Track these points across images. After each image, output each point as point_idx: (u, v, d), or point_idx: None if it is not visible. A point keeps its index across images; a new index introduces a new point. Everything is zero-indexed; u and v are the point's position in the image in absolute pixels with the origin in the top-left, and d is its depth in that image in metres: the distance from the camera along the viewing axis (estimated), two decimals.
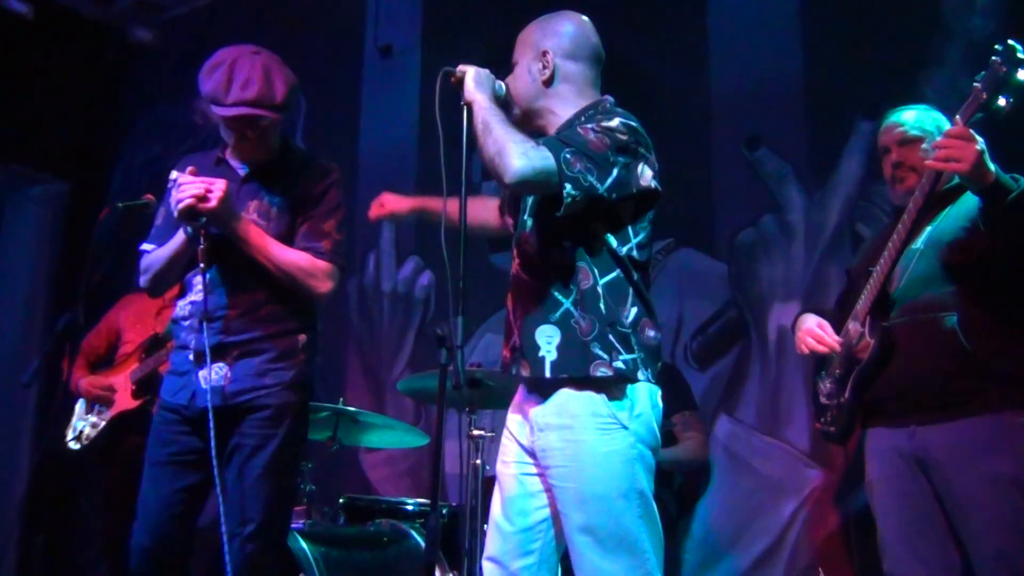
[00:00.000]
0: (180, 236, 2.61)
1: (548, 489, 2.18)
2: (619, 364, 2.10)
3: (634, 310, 2.16)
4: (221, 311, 2.57)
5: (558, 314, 2.15)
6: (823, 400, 2.78)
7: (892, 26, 3.93)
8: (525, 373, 2.19)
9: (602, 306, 2.13)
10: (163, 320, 3.89)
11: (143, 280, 2.70)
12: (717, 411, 4.06)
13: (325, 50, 5.74)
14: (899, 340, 2.55)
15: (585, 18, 2.39)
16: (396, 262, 5.22)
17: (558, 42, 2.31)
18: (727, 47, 4.37)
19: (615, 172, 2.11)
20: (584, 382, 2.11)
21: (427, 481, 4.61)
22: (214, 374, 2.52)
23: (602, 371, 2.09)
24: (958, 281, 2.52)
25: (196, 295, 2.59)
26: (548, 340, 2.15)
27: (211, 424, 2.37)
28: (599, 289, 2.14)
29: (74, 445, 3.92)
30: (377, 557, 3.32)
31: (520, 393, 2.30)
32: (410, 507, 3.57)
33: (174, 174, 2.57)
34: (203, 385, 2.52)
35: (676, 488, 3.79)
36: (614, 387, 2.11)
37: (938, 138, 2.51)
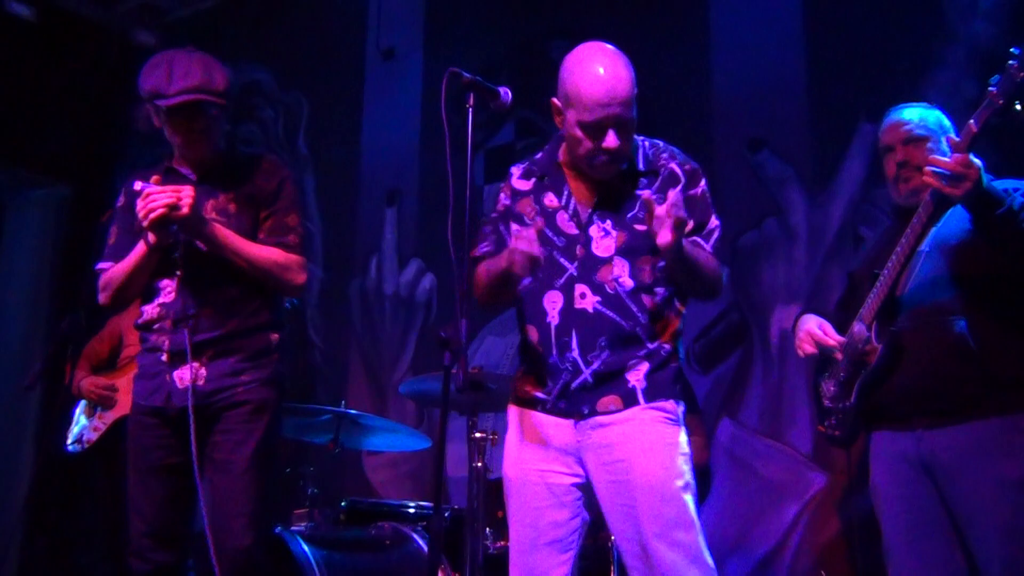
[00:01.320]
0: (139, 248, 2.58)
1: (578, 495, 2.25)
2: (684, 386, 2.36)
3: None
4: (192, 310, 2.57)
5: (643, 352, 2.25)
6: (827, 403, 2.77)
7: (895, 28, 3.93)
8: (615, 408, 2.23)
9: (680, 345, 2.33)
10: None
11: (102, 297, 2.68)
12: (719, 414, 4.05)
13: (327, 53, 5.75)
14: (907, 344, 2.53)
15: None
16: (398, 265, 5.22)
17: None
18: (729, 49, 4.37)
19: None
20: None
21: (429, 484, 4.61)
22: (190, 374, 2.53)
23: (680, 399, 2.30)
24: (965, 284, 2.51)
25: (166, 297, 2.61)
26: (636, 373, 2.24)
27: (192, 422, 2.40)
28: (680, 327, 2.33)
29: (74, 448, 3.91)
30: (379, 560, 3.32)
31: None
32: (412, 510, 3.57)
33: (138, 186, 2.61)
34: (179, 385, 2.53)
35: None
36: None
37: (943, 141, 2.51)
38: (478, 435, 3.19)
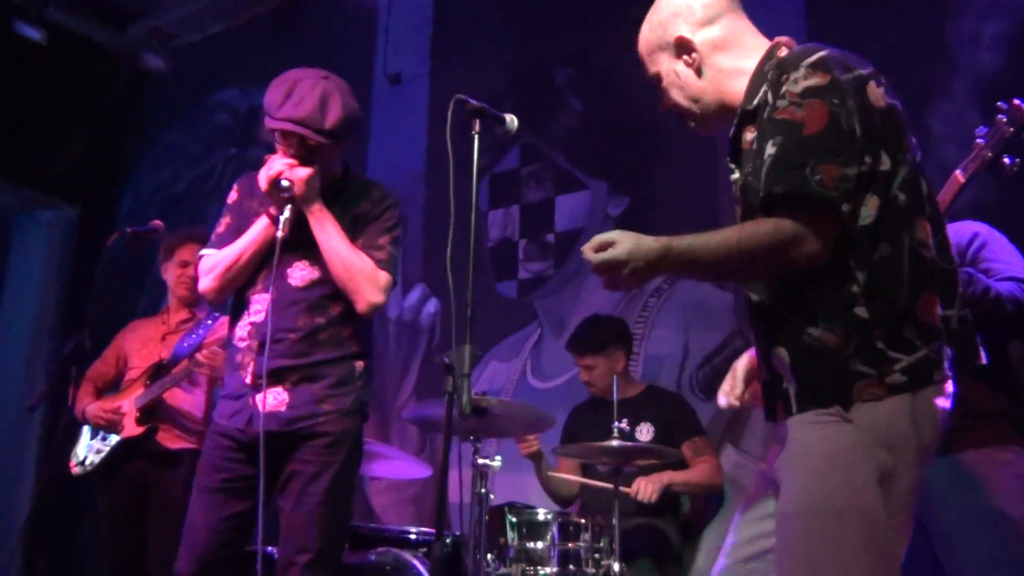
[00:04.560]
0: (259, 224, 2.60)
1: None
2: (896, 377, 1.63)
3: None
4: (282, 334, 2.53)
5: (786, 335, 1.71)
6: None
7: (898, 58, 3.94)
8: (782, 417, 1.73)
9: (861, 328, 1.65)
10: (168, 346, 3.89)
11: (206, 281, 2.64)
12: (723, 442, 4.04)
13: None
14: None
15: None
16: (402, 289, 5.22)
17: (686, 19, 1.85)
18: None
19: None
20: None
21: (431, 509, 4.59)
22: (272, 399, 2.49)
23: (871, 392, 1.62)
24: None
25: (256, 316, 2.58)
26: (785, 368, 1.71)
27: (262, 449, 2.35)
28: (859, 302, 1.65)
29: (78, 470, 3.91)
30: None
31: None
32: (413, 536, 3.55)
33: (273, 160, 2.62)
34: (260, 409, 2.48)
35: (682, 516, 3.76)
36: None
37: None
38: (480, 461, 3.19)
